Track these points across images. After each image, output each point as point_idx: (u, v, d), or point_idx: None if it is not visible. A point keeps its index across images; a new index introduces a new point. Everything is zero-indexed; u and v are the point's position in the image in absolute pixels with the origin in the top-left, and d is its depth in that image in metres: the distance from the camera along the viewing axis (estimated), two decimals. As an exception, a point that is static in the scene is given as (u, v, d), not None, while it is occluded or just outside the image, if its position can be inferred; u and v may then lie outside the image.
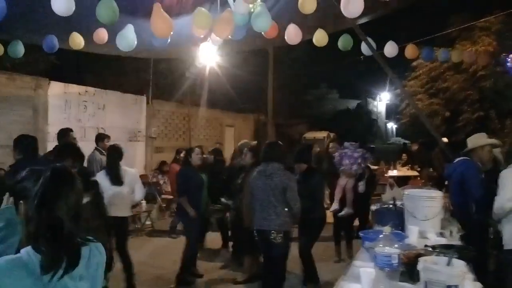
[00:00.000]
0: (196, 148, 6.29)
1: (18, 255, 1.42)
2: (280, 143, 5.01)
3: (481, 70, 13.24)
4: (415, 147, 12.94)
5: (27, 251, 1.41)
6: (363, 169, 6.38)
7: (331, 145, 7.00)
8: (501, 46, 11.67)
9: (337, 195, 6.35)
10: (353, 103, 42.33)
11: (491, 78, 12.93)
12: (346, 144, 6.42)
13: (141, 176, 10.25)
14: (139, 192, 5.56)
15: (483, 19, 12.87)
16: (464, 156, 4.91)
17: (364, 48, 6.97)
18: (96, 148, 7.11)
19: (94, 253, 1.59)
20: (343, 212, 6.28)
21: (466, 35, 14.93)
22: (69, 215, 1.50)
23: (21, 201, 1.56)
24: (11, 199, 1.61)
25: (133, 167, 5.79)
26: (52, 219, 1.46)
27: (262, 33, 5.52)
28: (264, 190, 4.49)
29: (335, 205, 6.37)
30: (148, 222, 8.80)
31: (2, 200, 1.68)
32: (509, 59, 6.94)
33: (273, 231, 4.40)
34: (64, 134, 6.34)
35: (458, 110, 15.52)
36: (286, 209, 4.47)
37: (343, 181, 6.31)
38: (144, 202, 8.70)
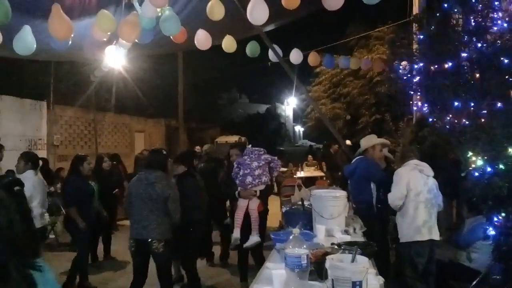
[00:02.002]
0: (88, 157, 6.05)
1: None
2: (164, 151, 4.84)
3: (377, 76, 14.33)
4: (335, 148, 13.13)
5: None
6: (266, 183, 4.83)
7: (231, 152, 5.34)
8: (393, 54, 12.72)
9: (237, 219, 4.82)
10: (262, 108, 43.40)
11: (385, 84, 14.08)
12: (247, 150, 4.89)
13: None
14: None
15: (377, 29, 13.95)
16: (360, 156, 5.33)
17: (271, 54, 7.21)
18: (-13, 159, 6.51)
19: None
20: (248, 243, 4.76)
21: (363, 44, 16.07)
22: None
23: None
24: None
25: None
26: None
27: (171, 37, 5.48)
28: (144, 199, 4.35)
29: (235, 233, 4.82)
30: (52, 236, 8.21)
31: None
32: (401, 67, 7.57)
33: (154, 241, 4.30)
34: None
35: (357, 114, 16.63)
36: (166, 218, 4.38)
37: (243, 202, 4.80)
38: (47, 215, 8.10)
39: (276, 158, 5.02)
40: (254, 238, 4.75)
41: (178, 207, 4.45)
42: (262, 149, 4.89)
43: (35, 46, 4.99)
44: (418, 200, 4.38)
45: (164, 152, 4.78)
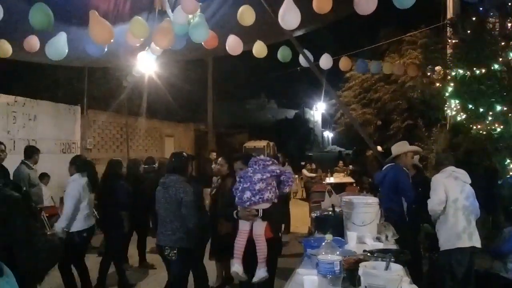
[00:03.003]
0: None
1: None
2: (185, 153, 4.71)
3: (409, 81, 14.07)
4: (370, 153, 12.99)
5: None
6: (270, 201, 3.64)
7: (235, 166, 4.29)
8: (426, 59, 12.57)
9: (237, 248, 3.65)
10: (291, 113, 43.31)
11: (418, 89, 13.82)
12: (252, 160, 3.86)
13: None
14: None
15: (409, 34, 13.72)
16: (391, 163, 5.23)
17: (302, 59, 7.18)
18: (23, 162, 6.73)
19: None
20: (256, 278, 3.56)
21: (394, 48, 15.81)
22: None
23: None
24: None
25: (68, 180, 5.49)
26: None
27: (202, 43, 5.53)
28: (161, 203, 4.33)
29: (235, 267, 3.63)
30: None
31: None
32: (435, 72, 7.44)
33: (167, 247, 4.26)
34: None
35: (389, 119, 16.34)
36: (182, 224, 4.26)
37: (245, 225, 3.67)
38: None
39: (288, 170, 4.03)
40: (260, 273, 3.57)
41: (192, 212, 4.27)
42: (269, 158, 3.90)
43: (66, 51, 5.12)
44: (456, 207, 4.30)
45: (184, 155, 4.65)
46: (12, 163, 6.59)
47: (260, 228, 3.66)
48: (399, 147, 5.28)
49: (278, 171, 3.77)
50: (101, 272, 5.66)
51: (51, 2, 4.41)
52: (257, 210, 3.60)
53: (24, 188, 6.13)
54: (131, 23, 4.96)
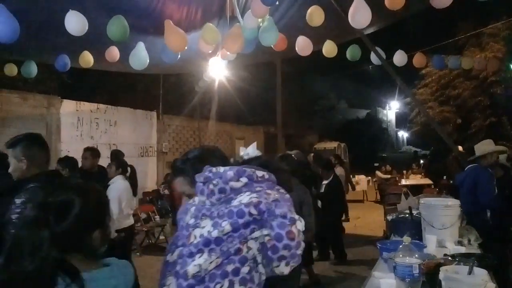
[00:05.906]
0: None
1: None
2: (293, 156, 4.82)
3: (491, 76, 13.16)
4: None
5: None
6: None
7: (177, 185, 1.83)
8: (510, 51, 11.73)
9: None
10: (362, 113, 42.25)
11: (502, 84, 12.90)
12: (200, 177, 1.48)
13: (153, 191, 10.36)
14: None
15: (490, 26, 12.85)
16: (473, 163, 4.90)
17: (373, 57, 6.97)
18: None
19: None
20: None
21: (474, 42, 14.89)
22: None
23: None
24: None
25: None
26: None
27: (272, 46, 5.57)
28: None
29: None
30: (162, 237, 8.77)
31: None
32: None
33: None
34: None
35: (469, 117, 15.40)
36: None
37: None
38: (157, 216, 8.79)
39: (288, 214, 1.41)
40: None
41: (312, 211, 4.39)
42: (245, 169, 1.48)
43: (148, 61, 5.41)
44: None
45: (294, 158, 4.79)
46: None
47: None
48: (484, 147, 4.93)
49: (253, 211, 1.37)
50: None
51: (128, 14, 4.69)
52: None
53: None
54: (203, 29, 5.11)
